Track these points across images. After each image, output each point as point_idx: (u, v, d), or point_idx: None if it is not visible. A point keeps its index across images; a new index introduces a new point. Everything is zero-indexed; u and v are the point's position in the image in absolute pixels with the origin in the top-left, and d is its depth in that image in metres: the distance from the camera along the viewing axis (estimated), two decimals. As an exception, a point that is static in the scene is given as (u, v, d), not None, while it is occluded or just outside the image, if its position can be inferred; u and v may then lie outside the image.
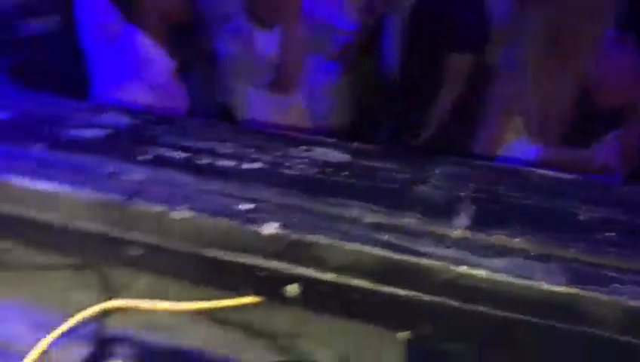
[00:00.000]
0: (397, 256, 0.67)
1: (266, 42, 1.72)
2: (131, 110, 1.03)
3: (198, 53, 1.82)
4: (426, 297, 0.67)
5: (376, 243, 0.69)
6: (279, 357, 0.74)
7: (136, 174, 0.81)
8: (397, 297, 0.69)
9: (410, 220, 0.73)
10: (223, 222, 0.72)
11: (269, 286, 0.72)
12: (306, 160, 0.85)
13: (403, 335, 0.74)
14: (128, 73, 1.63)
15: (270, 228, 0.70)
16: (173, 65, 1.68)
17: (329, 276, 0.70)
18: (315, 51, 1.83)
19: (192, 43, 1.79)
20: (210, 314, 0.78)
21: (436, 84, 1.92)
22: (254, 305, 0.77)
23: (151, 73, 1.64)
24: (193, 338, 0.75)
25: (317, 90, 1.87)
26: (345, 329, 0.76)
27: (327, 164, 0.85)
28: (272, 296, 0.74)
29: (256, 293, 0.76)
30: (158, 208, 0.74)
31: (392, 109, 2.07)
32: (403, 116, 2.07)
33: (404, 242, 0.69)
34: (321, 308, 0.75)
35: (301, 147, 0.88)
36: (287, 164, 0.84)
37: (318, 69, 1.87)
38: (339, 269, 0.70)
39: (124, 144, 0.90)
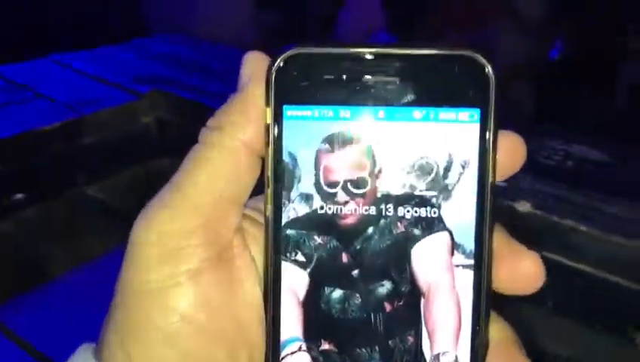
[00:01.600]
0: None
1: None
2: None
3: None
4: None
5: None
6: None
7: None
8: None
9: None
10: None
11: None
12: (562, 152, 0.82)
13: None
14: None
15: (524, 207, 0.68)
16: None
17: (584, 267, 0.67)
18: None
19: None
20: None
21: None
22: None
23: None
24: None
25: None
26: (573, 325, 0.71)
27: (584, 159, 0.81)
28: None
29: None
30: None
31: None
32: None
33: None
34: (563, 300, 0.71)
35: (559, 140, 0.85)
36: (543, 153, 0.81)
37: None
38: (595, 261, 0.66)
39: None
